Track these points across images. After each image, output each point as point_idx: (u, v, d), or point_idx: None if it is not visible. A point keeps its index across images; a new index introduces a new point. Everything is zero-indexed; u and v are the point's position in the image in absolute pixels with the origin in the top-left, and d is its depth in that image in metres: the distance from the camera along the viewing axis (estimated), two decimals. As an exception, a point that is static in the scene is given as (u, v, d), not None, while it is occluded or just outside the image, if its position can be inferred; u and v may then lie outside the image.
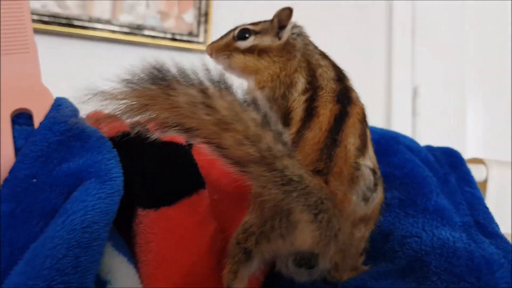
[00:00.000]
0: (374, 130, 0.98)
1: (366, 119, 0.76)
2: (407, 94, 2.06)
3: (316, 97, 0.78)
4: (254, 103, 0.58)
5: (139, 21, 1.70)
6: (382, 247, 0.78)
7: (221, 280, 0.71)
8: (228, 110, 0.56)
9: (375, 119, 1.94)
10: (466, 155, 1.08)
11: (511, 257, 0.66)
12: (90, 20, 1.63)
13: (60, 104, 0.78)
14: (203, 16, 1.76)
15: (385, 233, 0.79)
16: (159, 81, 0.60)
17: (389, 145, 0.96)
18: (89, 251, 0.61)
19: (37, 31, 1.57)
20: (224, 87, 0.58)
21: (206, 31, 1.76)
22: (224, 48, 0.94)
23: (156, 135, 0.62)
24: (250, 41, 0.91)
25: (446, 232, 0.72)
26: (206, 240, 0.76)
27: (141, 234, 0.75)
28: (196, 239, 0.76)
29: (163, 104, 0.58)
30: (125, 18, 1.68)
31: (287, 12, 0.90)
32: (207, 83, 0.58)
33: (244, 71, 0.93)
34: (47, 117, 0.76)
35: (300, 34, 0.92)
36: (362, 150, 0.70)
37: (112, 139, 0.75)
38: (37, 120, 0.75)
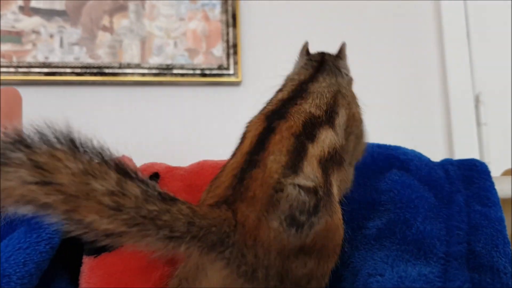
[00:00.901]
0: (369, 152, 0.87)
1: (307, 132, 0.65)
2: (469, 103, 1.82)
3: (251, 123, 0.71)
4: (108, 161, 0.49)
5: (168, 61, 1.71)
6: (351, 288, 0.66)
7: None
8: (74, 184, 0.45)
9: (435, 133, 1.76)
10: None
11: None
12: (120, 66, 1.67)
13: None
14: (232, 48, 1.74)
15: (355, 271, 0.67)
16: None
17: (380, 169, 0.83)
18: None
19: (71, 83, 1.66)
20: (68, 148, 0.47)
21: (236, 63, 1.73)
22: None
23: (9, 210, 0.46)
24: None
25: (415, 268, 0.59)
26: (148, 286, 0.70)
27: (81, 284, 0.71)
28: (137, 285, 0.70)
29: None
30: (154, 60, 1.71)
31: (303, 46, 0.94)
32: (41, 150, 0.46)
33: None
34: None
35: (298, 66, 0.89)
36: (292, 167, 0.59)
37: None
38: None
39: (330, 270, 0.62)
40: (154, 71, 1.69)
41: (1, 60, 1.62)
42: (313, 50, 1.77)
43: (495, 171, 0.95)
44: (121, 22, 1.72)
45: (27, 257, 0.64)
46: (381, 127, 1.82)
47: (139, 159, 0.94)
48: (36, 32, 1.66)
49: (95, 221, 0.46)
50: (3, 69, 1.60)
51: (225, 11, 1.77)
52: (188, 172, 0.87)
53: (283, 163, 0.60)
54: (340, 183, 0.70)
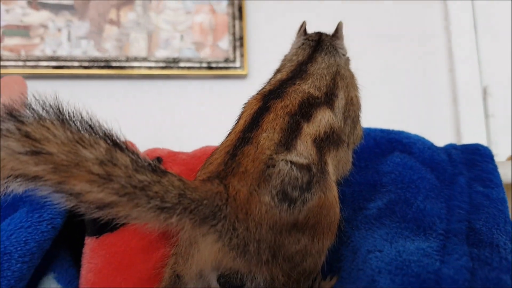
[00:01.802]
0: (371, 136, 0.87)
1: (303, 112, 0.64)
2: (477, 96, 1.80)
3: (248, 102, 0.72)
4: (96, 130, 0.49)
5: (175, 54, 1.72)
6: (350, 266, 0.66)
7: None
8: (64, 153, 0.46)
9: (443, 125, 1.75)
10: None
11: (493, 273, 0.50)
12: (127, 59, 1.68)
13: None
14: (238, 41, 1.74)
15: (355, 249, 0.66)
16: None
17: (383, 152, 0.83)
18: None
19: (79, 76, 1.67)
20: (56, 118, 0.48)
21: (242, 56, 1.73)
22: None
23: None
24: None
25: (413, 243, 0.59)
26: (149, 266, 0.70)
27: (83, 265, 0.72)
28: (137, 266, 0.71)
29: None
30: (161, 53, 1.71)
31: (301, 25, 0.98)
32: (30, 121, 0.47)
33: None
34: None
35: (296, 45, 0.89)
36: (285, 144, 0.60)
37: None
38: None
39: (326, 247, 0.62)
40: (161, 64, 1.70)
41: (10, 54, 1.63)
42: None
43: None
44: (128, 16, 1.73)
45: (29, 236, 0.65)
46: (389, 119, 1.81)
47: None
48: (44, 26, 1.68)
49: (85, 191, 0.46)
50: (11, 63, 1.62)
51: (231, 4, 1.77)
52: (191, 157, 0.87)
53: (276, 140, 0.60)
54: (338, 163, 0.70)
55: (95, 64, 1.66)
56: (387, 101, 1.84)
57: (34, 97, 0.49)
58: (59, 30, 1.68)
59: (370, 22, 1.89)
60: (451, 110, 1.85)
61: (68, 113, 0.48)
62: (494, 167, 0.80)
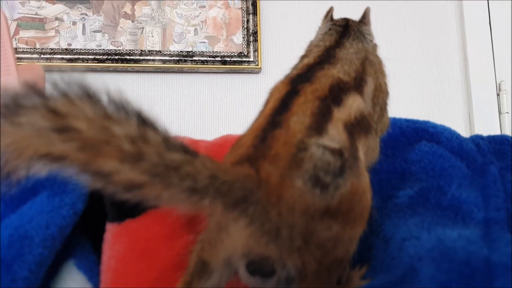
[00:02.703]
0: (397, 125, 0.85)
1: (334, 96, 0.62)
2: (491, 91, 1.78)
3: (274, 88, 0.69)
4: (125, 108, 0.47)
5: (189, 48, 1.71)
6: (382, 255, 0.64)
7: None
8: (93, 129, 0.43)
9: (456, 121, 1.73)
10: None
11: None
12: (141, 53, 1.68)
13: None
14: (252, 35, 1.72)
15: (387, 238, 0.64)
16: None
17: (409, 140, 0.81)
18: (13, 268, 0.57)
19: (93, 70, 1.67)
20: (83, 94, 0.45)
21: (256, 50, 1.72)
22: None
23: (22, 172, 0.44)
24: None
25: (454, 230, 0.57)
26: (173, 254, 0.69)
27: (105, 251, 0.70)
28: (161, 253, 0.69)
29: (8, 137, 0.43)
30: (175, 47, 1.71)
31: (328, 11, 0.92)
32: (56, 97, 0.44)
33: None
34: None
35: (321, 31, 0.86)
36: (316, 128, 0.57)
37: None
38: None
39: (358, 235, 0.60)
40: (174, 58, 1.69)
41: (25, 46, 1.63)
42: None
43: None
44: (142, 10, 1.72)
45: (50, 220, 0.63)
46: (401, 114, 1.79)
47: None
48: (59, 19, 1.68)
49: (115, 170, 0.44)
50: (27, 55, 1.62)
51: (245, -2, 1.76)
52: (212, 144, 0.86)
53: (306, 124, 0.57)
54: (368, 150, 0.68)
55: (110, 57, 1.66)
56: (399, 96, 1.82)
57: (59, 74, 0.47)
58: (74, 23, 1.68)
59: (383, 15, 1.87)
60: (464, 106, 1.83)
61: (95, 89, 0.46)
62: (524, 158, 0.78)
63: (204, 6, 1.75)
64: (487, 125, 1.77)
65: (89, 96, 0.46)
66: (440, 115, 1.82)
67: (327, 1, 1.84)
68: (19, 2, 1.65)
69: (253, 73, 1.75)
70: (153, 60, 1.68)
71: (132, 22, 1.71)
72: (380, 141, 0.77)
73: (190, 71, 1.72)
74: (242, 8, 1.75)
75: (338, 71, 0.69)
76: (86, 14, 1.69)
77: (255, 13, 1.74)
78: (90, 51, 1.65)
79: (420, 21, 1.88)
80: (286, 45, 1.78)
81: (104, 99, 0.47)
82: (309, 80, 0.65)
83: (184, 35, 1.72)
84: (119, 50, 1.67)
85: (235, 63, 1.71)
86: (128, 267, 0.67)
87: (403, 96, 1.82)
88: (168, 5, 1.73)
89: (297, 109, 0.59)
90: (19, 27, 1.65)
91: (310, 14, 1.82)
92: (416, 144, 0.80)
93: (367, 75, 0.74)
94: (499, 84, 1.80)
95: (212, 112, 1.71)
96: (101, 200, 0.73)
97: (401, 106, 1.81)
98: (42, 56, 1.62)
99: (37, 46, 1.63)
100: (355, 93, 0.68)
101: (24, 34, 1.64)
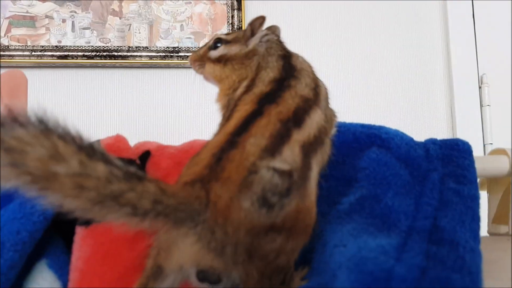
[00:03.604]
0: (351, 130, 0.90)
1: (296, 118, 0.67)
2: (473, 84, 1.81)
3: (240, 101, 0.74)
4: (76, 143, 0.52)
5: (175, 44, 1.76)
6: (319, 259, 0.70)
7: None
8: (40, 168, 0.49)
9: (437, 114, 1.77)
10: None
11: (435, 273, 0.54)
12: (129, 49, 1.73)
13: None
14: (237, 31, 1.76)
15: (324, 243, 0.70)
16: None
17: (361, 146, 0.86)
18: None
19: (83, 66, 1.72)
20: (42, 130, 0.51)
21: (241, 45, 1.76)
22: (200, 58, 0.95)
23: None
24: (220, 51, 0.91)
25: (375, 240, 0.63)
26: (133, 256, 0.75)
27: (74, 252, 0.77)
28: (123, 255, 0.75)
29: None
30: (162, 43, 1.75)
31: (260, 21, 0.89)
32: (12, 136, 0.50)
33: (215, 81, 0.93)
34: None
35: (268, 40, 0.88)
36: (270, 151, 0.62)
37: None
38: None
39: (300, 246, 0.65)
40: (161, 54, 1.74)
41: (17, 43, 1.69)
42: (321, 29, 1.78)
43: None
44: (129, 7, 1.76)
45: (21, 226, 0.70)
46: (384, 108, 1.83)
47: (146, 138, 0.98)
48: (49, 17, 1.73)
49: (61, 199, 0.51)
50: (18, 52, 1.67)
51: (231, -6, 1.80)
52: (178, 151, 0.91)
53: (262, 146, 0.62)
54: (322, 156, 0.72)
55: (98, 54, 1.71)
56: (382, 90, 1.86)
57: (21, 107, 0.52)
58: (64, 20, 1.73)
59: (365, 11, 1.90)
60: (446, 99, 1.86)
61: (52, 124, 0.52)
62: (471, 163, 0.82)
63: (190, 2, 1.79)
64: (468, 118, 1.80)
65: (43, 133, 0.51)
66: (422, 107, 1.85)
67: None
68: (11, 1, 1.70)
69: (238, 68, 1.79)
70: (140, 56, 1.73)
71: (120, 19, 1.75)
72: (333, 147, 0.83)
73: (176, 66, 1.77)
74: (227, 3, 1.79)
75: (304, 87, 0.74)
76: (75, 12, 1.74)
77: (239, 8, 1.78)
78: (80, 48, 1.71)
79: (403, 14, 1.90)
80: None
81: (57, 133, 0.52)
82: (275, 101, 0.69)
83: (170, 31, 1.77)
84: (107, 46, 1.73)
85: (220, 58, 1.75)
86: (93, 267, 0.74)
87: (386, 89, 1.86)
88: (154, 2, 1.78)
89: (256, 131, 0.64)
90: (10, 25, 1.70)
91: (294, 10, 1.86)
92: (367, 149, 0.85)
93: (318, 81, 0.79)
94: (481, 77, 1.83)
95: (199, 106, 1.76)
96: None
97: (384, 99, 1.85)
98: (33, 53, 1.68)
99: (28, 43, 1.69)
100: (316, 108, 0.72)
101: (16, 31, 1.70)
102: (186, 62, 1.73)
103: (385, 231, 0.66)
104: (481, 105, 1.82)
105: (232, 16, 1.78)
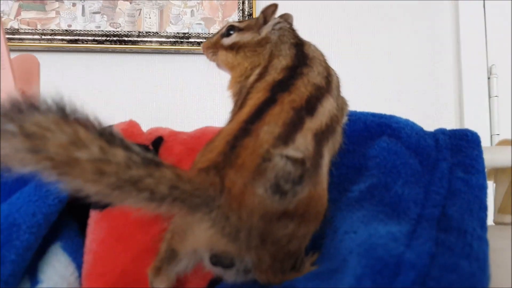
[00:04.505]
0: (362, 119, 0.90)
1: (309, 106, 0.68)
2: (482, 75, 1.80)
3: (252, 89, 0.75)
4: (96, 128, 0.53)
5: (185, 30, 1.75)
6: (330, 245, 0.71)
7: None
8: (60, 154, 0.50)
9: (446, 104, 1.76)
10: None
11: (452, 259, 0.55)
12: (139, 35, 1.73)
13: None
14: (247, 17, 1.76)
15: (335, 229, 0.71)
16: None
17: (371, 135, 0.86)
18: (1, 252, 0.65)
19: (92, 50, 1.73)
20: (61, 116, 0.51)
21: (251, 32, 1.75)
22: (212, 46, 0.96)
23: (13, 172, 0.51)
24: (233, 38, 0.92)
25: (385, 227, 0.63)
26: (147, 239, 0.76)
27: (88, 235, 0.78)
28: (136, 238, 0.77)
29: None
30: (172, 29, 1.75)
31: (272, 9, 0.90)
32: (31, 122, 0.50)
33: (227, 68, 0.94)
34: None
35: (280, 28, 0.89)
36: (284, 139, 0.63)
37: None
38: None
39: (311, 232, 0.67)
40: (171, 39, 1.74)
41: (27, 27, 1.69)
42: (331, 17, 1.77)
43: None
44: (140, -9, 1.76)
45: (37, 209, 0.71)
46: (393, 98, 1.83)
47: (155, 124, 0.99)
48: (59, 0, 1.72)
49: (81, 184, 0.51)
50: (28, 36, 1.68)
51: (242, -20, 1.79)
52: (191, 137, 0.92)
53: (275, 134, 0.63)
54: (333, 144, 0.74)
55: (108, 38, 1.71)
56: (392, 81, 1.86)
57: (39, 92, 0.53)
58: (74, 4, 1.73)
59: (375, 1, 1.89)
60: (455, 89, 1.86)
61: (70, 110, 0.53)
62: (479, 153, 0.83)
63: (200, -12, 1.79)
64: (476, 109, 1.80)
65: (63, 119, 0.52)
66: (431, 97, 1.85)
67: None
68: (21, -16, 1.71)
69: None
70: (150, 41, 1.73)
71: (130, 3, 1.75)
72: (344, 135, 0.83)
73: (186, 52, 1.77)
74: (238, -11, 1.79)
75: (316, 75, 0.74)
76: (86, -4, 1.74)
77: (250, -6, 1.78)
78: (90, 32, 1.71)
79: (413, 4, 1.89)
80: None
81: (76, 119, 0.53)
82: (288, 90, 0.70)
83: (181, 17, 1.77)
84: (117, 31, 1.73)
85: (230, 45, 1.75)
86: (107, 249, 0.75)
87: (396, 78, 1.85)
88: (165, -13, 1.77)
89: (269, 119, 0.65)
90: (20, 8, 1.70)
91: (305, -4, 1.85)
92: (377, 138, 0.86)
93: (330, 69, 0.79)
94: (490, 68, 1.82)
95: (209, 93, 1.77)
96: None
97: (392, 88, 1.84)
98: (43, 37, 1.68)
99: (38, 27, 1.69)
100: (328, 96, 0.73)
101: (26, 15, 1.70)
102: (196, 48, 1.73)
103: (395, 219, 0.66)
104: (490, 96, 1.81)
105: (243, 2, 1.77)
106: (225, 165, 0.61)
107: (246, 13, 1.76)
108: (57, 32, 1.69)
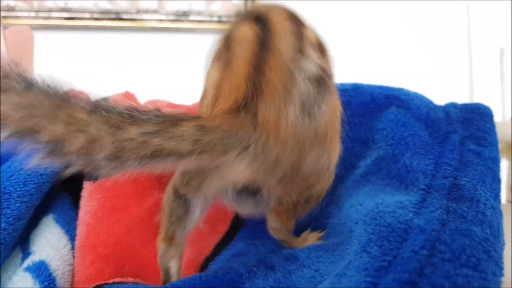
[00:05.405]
0: (368, 91, 0.87)
1: (298, 18, 0.62)
2: (493, 57, 1.77)
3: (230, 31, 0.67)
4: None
5: (185, 8, 1.71)
6: (335, 222, 0.68)
7: (153, 253, 0.66)
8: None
9: (456, 85, 1.73)
10: None
11: (463, 226, 0.51)
12: (138, 12, 1.68)
13: None
14: (249, -5, 1.72)
15: (341, 207, 0.68)
16: None
17: (379, 107, 0.83)
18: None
19: (90, 28, 1.69)
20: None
21: (252, 10, 1.71)
22: None
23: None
24: None
25: (393, 197, 0.60)
26: (142, 211, 0.74)
27: (81, 207, 0.75)
28: (130, 210, 0.74)
29: None
30: (172, 6, 1.71)
31: None
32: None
33: None
34: None
35: None
36: (299, 49, 0.58)
37: None
38: None
39: (333, 169, 0.63)
40: (171, 17, 1.70)
41: (23, 4, 1.65)
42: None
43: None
44: (139, -33, 1.72)
45: (28, 177, 0.68)
46: (403, 77, 1.79)
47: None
48: (56, -24, 1.68)
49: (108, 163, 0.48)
50: (24, 13, 1.64)
51: (243, -44, 1.75)
52: (189, 110, 0.89)
53: (290, 44, 0.58)
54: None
55: (106, 16, 1.67)
56: (402, 59, 1.82)
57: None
58: (71, -20, 1.69)
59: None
60: (466, 70, 1.82)
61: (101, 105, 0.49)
62: (492, 127, 0.79)
63: (201, -36, 1.74)
64: (487, 89, 1.77)
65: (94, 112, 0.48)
66: (441, 76, 1.82)
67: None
68: (16, -41, 1.66)
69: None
70: (150, 19, 1.69)
71: (129, -20, 1.71)
72: (349, 108, 0.80)
73: (186, 30, 1.73)
74: (239, -34, 1.74)
75: None
76: (83, -28, 1.69)
77: (252, -28, 1.73)
78: (87, 10, 1.67)
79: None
80: (284, 3, 1.77)
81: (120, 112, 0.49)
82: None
83: (181, -6, 1.73)
84: (115, 8, 1.68)
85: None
86: (100, 221, 0.72)
87: (406, 58, 1.82)
88: (165, -37, 1.73)
89: (276, 29, 0.59)
90: (17, -16, 1.66)
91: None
92: (385, 110, 0.82)
93: None
94: (502, 49, 1.79)
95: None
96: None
97: (403, 67, 1.81)
98: (39, 14, 1.64)
99: (35, 4, 1.65)
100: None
101: (22, -9, 1.66)
102: (197, 26, 1.69)
103: (403, 190, 0.63)
104: (501, 78, 1.77)
105: (244, -20, 1.73)
106: (256, 97, 0.55)
107: (247, -10, 1.72)
108: (53, 9, 1.65)
